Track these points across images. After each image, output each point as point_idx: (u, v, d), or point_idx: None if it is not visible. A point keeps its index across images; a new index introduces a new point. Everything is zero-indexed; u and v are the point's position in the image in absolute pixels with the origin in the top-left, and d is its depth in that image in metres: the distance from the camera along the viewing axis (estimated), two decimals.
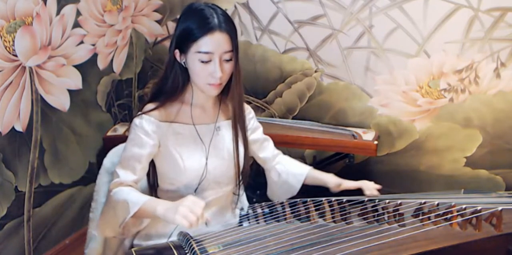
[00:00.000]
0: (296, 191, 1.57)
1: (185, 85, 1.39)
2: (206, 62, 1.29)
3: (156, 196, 1.48)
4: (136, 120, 1.37)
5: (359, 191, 1.48)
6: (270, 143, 1.61)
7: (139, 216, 1.28)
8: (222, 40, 1.28)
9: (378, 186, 1.47)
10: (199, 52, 1.28)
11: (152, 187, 1.49)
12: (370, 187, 1.47)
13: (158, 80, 1.42)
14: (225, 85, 1.38)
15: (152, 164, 1.44)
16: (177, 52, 1.34)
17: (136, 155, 1.36)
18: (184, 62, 1.34)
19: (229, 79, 1.37)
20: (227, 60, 1.31)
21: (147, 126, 1.36)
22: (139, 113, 1.38)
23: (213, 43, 1.28)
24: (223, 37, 1.28)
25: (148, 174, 1.47)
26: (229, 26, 1.30)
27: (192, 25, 1.29)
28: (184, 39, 1.31)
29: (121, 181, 1.34)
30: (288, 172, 1.57)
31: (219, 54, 1.29)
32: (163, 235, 1.45)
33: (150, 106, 1.39)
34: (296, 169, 1.58)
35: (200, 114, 1.43)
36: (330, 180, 1.53)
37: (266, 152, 1.59)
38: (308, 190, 1.62)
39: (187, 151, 1.40)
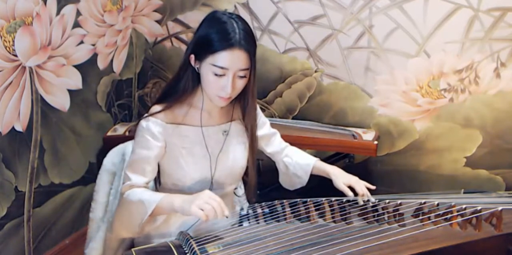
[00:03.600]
0: (305, 182, 1.59)
1: (195, 89, 1.38)
2: (220, 75, 1.28)
3: None
4: (143, 123, 1.37)
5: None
6: (277, 137, 1.62)
7: (156, 214, 1.31)
8: (240, 58, 1.26)
9: (372, 200, 1.44)
10: (214, 65, 1.27)
11: (156, 183, 1.50)
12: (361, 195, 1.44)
13: (169, 80, 1.41)
14: None
15: None
16: (192, 57, 1.33)
17: (145, 158, 1.37)
18: (197, 68, 1.33)
19: (244, 91, 1.36)
20: (241, 77, 1.30)
21: (153, 128, 1.36)
22: (146, 115, 1.38)
23: (230, 59, 1.26)
24: (241, 55, 1.26)
25: None
26: (249, 43, 1.28)
27: (212, 37, 1.27)
28: (201, 48, 1.29)
29: (132, 183, 1.36)
30: (295, 165, 1.58)
31: (234, 70, 1.27)
32: (163, 234, 1.45)
33: (157, 107, 1.39)
34: (303, 161, 1.59)
35: (207, 117, 1.43)
36: (333, 171, 1.51)
37: (274, 146, 1.60)
38: (308, 190, 1.62)
39: (192, 154, 1.41)
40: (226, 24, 1.28)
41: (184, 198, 1.24)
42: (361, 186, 1.44)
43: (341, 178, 1.47)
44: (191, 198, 1.23)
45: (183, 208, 1.22)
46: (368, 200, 1.40)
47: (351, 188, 1.44)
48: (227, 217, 1.21)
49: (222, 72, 1.28)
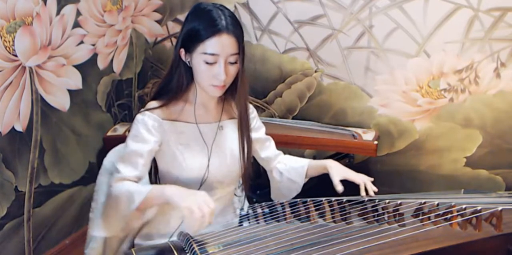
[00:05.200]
0: (300, 188, 1.57)
1: (189, 84, 1.39)
2: (211, 63, 1.29)
3: None
4: (139, 117, 1.37)
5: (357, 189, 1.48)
6: (272, 143, 1.62)
7: (145, 205, 1.27)
8: (229, 43, 1.28)
9: (375, 189, 1.45)
10: (205, 53, 1.28)
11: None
12: (368, 188, 1.45)
13: (163, 78, 1.42)
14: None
15: (153, 162, 1.45)
16: (182, 51, 1.34)
17: (138, 151, 1.35)
18: (188, 62, 1.34)
19: (234, 80, 1.37)
20: (232, 63, 1.31)
21: (149, 122, 1.36)
22: (143, 109, 1.38)
23: (220, 45, 1.27)
24: (230, 40, 1.28)
25: (150, 172, 1.47)
26: (236, 28, 1.30)
27: (199, 26, 1.28)
28: (190, 39, 1.30)
29: (122, 176, 1.33)
30: (289, 169, 1.58)
31: (225, 56, 1.29)
32: (164, 235, 1.45)
33: (153, 103, 1.39)
34: (296, 164, 1.58)
35: (203, 113, 1.43)
36: (330, 164, 1.50)
37: (268, 152, 1.60)
38: (308, 190, 1.62)
39: (189, 150, 1.40)
40: (211, 12, 1.30)
41: (178, 190, 1.21)
42: (361, 177, 1.45)
43: (337, 170, 1.46)
44: (186, 193, 1.19)
45: (172, 198, 1.19)
46: (369, 200, 1.40)
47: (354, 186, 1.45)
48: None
49: (214, 59, 1.28)
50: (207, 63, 1.29)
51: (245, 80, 1.40)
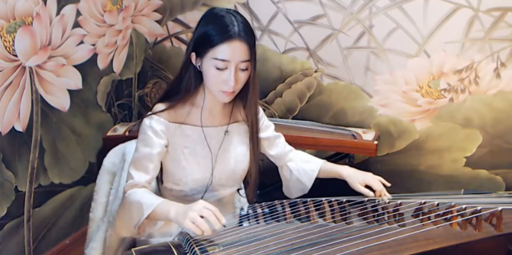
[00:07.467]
0: (307, 189, 1.57)
1: (197, 88, 1.39)
2: (222, 69, 1.29)
3: (160, 194, 1.49)
4: (146, 121, 1.38)
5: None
6: (281, 140, 1.61)
7: (153, 218, 1.30)
8: (240, 49, 1.27)
9: (389, 196, 1.45)
10: (216, 58, 1.28)
11: (158, 183, 1.50)
12: (382, 196, 1.45)
13: (172, 80, 1.42)
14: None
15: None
16: (193, 55, 1.34)
17: (148, 155, 1.37)
18: (199, 66, 1.34)
19: (244, 85, 1.36)
20: (243, 70, 1.31)
21: (156, 126, 1.37)
22: (149, 113, 1.39)
23: (231, 51, 1.27)
24: (241, 46, 1.27)
25: None
26: (248, 35, 1.29)
27: (211, 31, 1.28)
28: (201, 44, 1.30)
29: (135, 182, 1.36)
30: (299, 170, 1.57)
31: (236, 63, 1.28)
32: (164, 234, 1.45)
33: (160, 106, 1.39)
34: (308, 166, 1.57)
35: (210, 117, 1.43)
36: (347, 173, 1.50)
37: (278, 149, 1.59)
38: (308, 190, 1.62)
39: (193, 154, 1.41)
40: (224, 17, 1.29)
41: (179, 210, 1.22)
42: (378, 183, 1.46)
43: (355, 178, 1.47)
44: (184, 209, 1.21)
45: (177, 220, 1.21)
46: (369, 200, 1.40)
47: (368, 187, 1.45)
48: (224, 226, 1.19)
49: (224, 65, 1.28)
50: (217, 68, 1.29)
51: (256, 86, 1.39)
